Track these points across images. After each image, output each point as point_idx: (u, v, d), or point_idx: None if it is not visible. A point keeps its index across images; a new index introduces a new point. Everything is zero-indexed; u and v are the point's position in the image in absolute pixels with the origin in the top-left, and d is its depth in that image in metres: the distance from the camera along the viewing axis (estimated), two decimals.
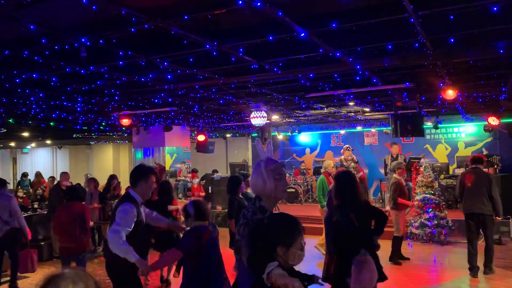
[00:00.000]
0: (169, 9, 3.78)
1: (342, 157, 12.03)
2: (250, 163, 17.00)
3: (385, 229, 3.89)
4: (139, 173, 3.71)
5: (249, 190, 6.59)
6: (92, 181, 9.57)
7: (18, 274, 6.44)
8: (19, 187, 14.62)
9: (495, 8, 3.84)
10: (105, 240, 3.84)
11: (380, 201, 12.58)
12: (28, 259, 6.38)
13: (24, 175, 15.96)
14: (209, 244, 3.51)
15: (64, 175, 9.23)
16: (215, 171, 14.19)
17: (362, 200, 4.10)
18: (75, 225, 5.64)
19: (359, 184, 4.23)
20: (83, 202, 6.58)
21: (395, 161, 8.96)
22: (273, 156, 2.56)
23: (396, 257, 7.48)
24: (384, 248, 8.52)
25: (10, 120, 10.82)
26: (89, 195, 9.33)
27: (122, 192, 9.70)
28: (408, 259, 7.71)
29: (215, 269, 3.50)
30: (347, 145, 12.32)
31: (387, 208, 10.64)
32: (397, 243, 7.53)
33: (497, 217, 6.59)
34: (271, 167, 2.46)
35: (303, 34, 4.27)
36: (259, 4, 3.43)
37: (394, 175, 7.73)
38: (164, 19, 3.86)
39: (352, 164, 11.86)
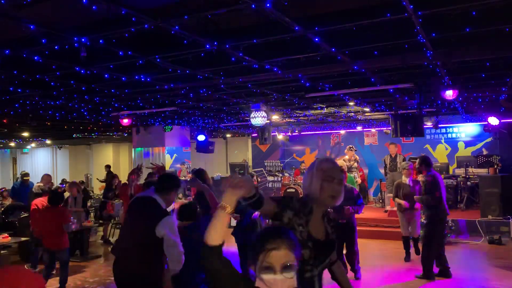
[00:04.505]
0: (169, 9, 3.78)
1: (346, 157, 11.99)
2: (250, 163, 17.00)
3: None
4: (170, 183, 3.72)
5: None
6: (74, 185, 9.37)
7: None
8: None
9: (495, 8, 3.84)
10: (136, 249, 3.60)
11: (380, 201, 12.58)
12: None
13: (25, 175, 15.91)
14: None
15: (46, 177, 9.30)
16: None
17: None
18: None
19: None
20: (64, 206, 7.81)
21: (404, 162, 9.03)
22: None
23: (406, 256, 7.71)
24: (383, 248, 8.54)
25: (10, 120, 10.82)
26: (73, 200, 9.01)
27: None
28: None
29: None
30: (350, 145, 12.28)
31: (388, 208, 10.69)
32: (403, 242, 7.72)
33: None
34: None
35: (303, 34, 4.27)
36: (257, 5, 3.44)
37: (403, 176, 7.81)
38: (164, 19, 3.86)
39: (355, 164, 11.85)
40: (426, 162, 6.62)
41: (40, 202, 7.20)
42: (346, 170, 6.83)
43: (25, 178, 11.59)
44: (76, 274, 7.54)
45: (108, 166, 17.37)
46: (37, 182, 9.77)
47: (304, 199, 2.35)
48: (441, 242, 6.65)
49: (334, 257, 2.53)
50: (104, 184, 10.19)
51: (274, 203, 2.22)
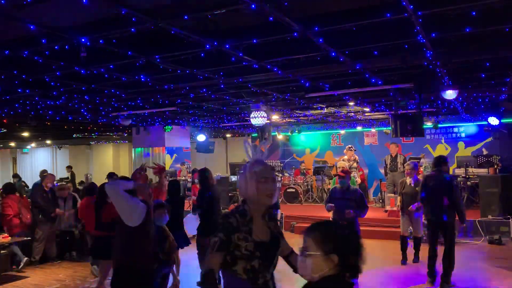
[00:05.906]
0: (169, 9, 3.78)
1: (345, 157, 11.97)
2: None
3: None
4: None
5: None
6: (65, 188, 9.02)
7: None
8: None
9: (495, 8, 3.84)
10: (119, 245, 4.10)
11: (380, 201, 12.58)
12: None
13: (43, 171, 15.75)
14: None
15: (50, 176, 9.25)
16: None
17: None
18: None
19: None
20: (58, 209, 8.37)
21: (407, 162, 9.05)
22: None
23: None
24: (383, 248, 8.54)
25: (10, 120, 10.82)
26: (62, 200, 8.60)
27: None
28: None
29: None
30: (350, 145, 12.25)
31: (388, 208, 10.70)
32: (400, 242, 7.71)
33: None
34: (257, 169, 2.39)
35: (303, 34, 4.27)
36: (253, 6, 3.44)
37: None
38: (164, 19, 3.86)
39: (355, 164, 11.83)
40: (433, 162, 6.56)
41: (16, 199, 8.26)
42: (347, 170, 6.75)
43: (44, 174, 11.56)
44: (77, 273, 7.54)
45: (69, 167, 17.15)
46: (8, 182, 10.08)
47: (242, 209, 2.39)
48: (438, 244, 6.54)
49: (287, 251, 2.54)
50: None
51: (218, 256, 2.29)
